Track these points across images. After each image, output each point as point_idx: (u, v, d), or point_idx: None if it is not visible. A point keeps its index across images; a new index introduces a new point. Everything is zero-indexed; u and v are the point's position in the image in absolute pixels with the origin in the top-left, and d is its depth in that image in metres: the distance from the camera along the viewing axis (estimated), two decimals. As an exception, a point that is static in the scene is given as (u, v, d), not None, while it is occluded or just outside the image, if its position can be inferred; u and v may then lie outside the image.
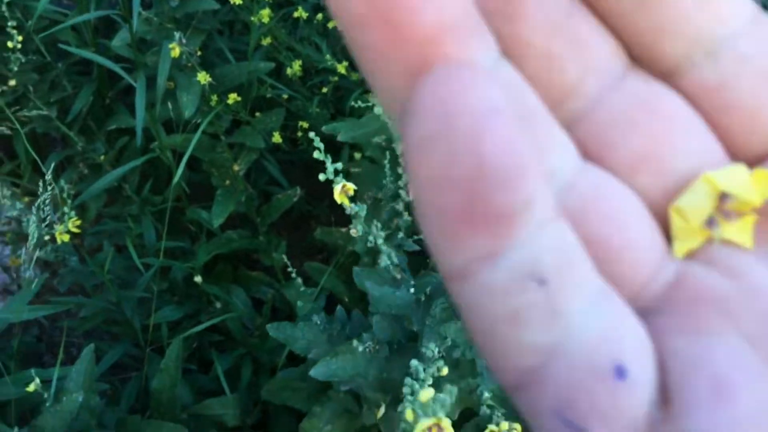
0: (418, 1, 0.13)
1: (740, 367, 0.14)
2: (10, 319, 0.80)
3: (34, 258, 0.81)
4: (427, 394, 0.29)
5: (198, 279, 1.15)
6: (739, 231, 0.17)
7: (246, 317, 1.25)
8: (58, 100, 1.08)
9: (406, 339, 0.64)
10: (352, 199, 0.80)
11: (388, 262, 0.57)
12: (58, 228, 0.96)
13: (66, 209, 0.96)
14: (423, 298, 0.58)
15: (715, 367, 0.14)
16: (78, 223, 0.98)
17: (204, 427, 1.09)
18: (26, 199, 1.27)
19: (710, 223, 0.17)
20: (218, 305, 1.24)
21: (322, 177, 0.58)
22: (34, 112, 0.95)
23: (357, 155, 1.23)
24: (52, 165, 0.95)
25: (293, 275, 1.40)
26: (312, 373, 0.63)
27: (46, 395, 0.84)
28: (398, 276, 0.58)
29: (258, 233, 1.28)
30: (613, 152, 0.17)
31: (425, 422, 0.29)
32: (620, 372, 0.14)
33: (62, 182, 0.91)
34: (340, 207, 1.72)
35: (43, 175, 1.41)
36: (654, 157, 0.17)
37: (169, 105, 0.98)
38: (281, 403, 1.11)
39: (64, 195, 0.92)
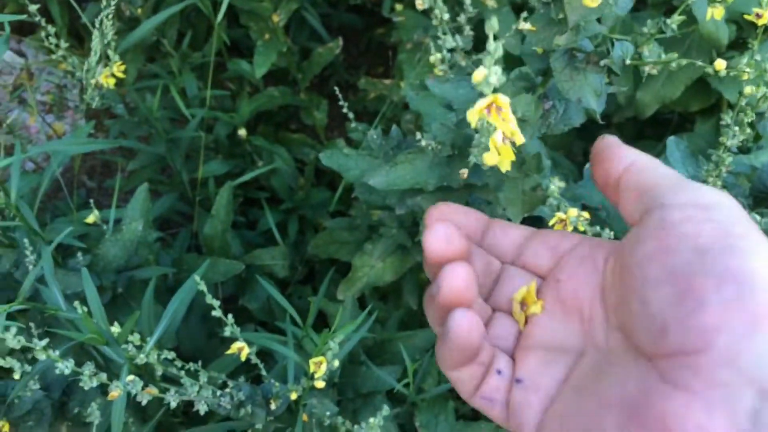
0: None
1: None
2: (72, 151, 0.80)
3: (98, 82, 0.80)
4: (480, 72, 0.28)
5: (242, 132, 1.14)
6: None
7: (289, 176, 1.26)
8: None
9: (468, 145, 0.63)
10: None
11: (452, 45, 0.55)
12: (104, 71, 0.95)
13: (110, 52, 0.95)
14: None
15: None
16: (123, 68, 0.96)
17: (254, 277, 1.11)
18: (63, 65, 1.26)
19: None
20: (261, 164, 1.24)
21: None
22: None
23: (399, 6, 1.19)
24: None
25: (338, 129, 1.38)
26: (371, 182, 0.62)
27: (105, 228, 0.85)
28: (463, 63, 0.56)
29: (299, 92, 1.26)
30: None
31: (482, 102, 0.28)
32: None
33: (101, 18, 0.88)
34: (378, 75, 1.69)
35: (80, 39, 1.40)
36: None
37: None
38: (328, 257, 1.12)
39: (105, 31, 0.90)
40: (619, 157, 0.32)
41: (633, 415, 0.26)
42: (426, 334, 0.96)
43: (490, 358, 0.33)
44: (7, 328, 0.42)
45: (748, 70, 0.60)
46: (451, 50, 0.56)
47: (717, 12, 0.70)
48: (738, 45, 1.05)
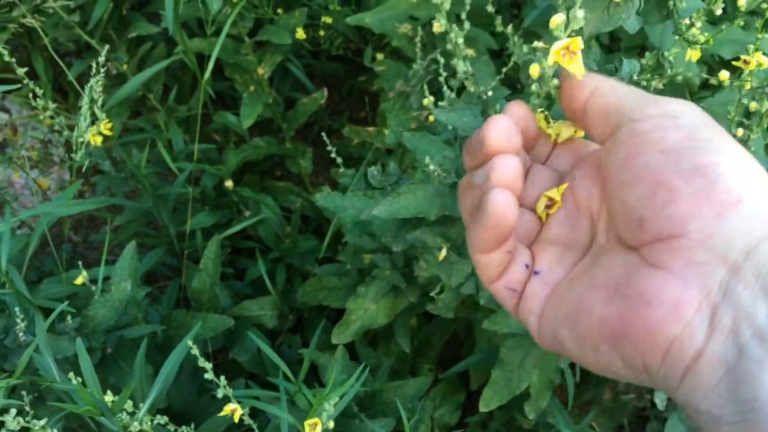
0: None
1: None
2: (61, 212, 0.80)
3: (86, 141, 0.81)
4: (559, 17, 0.32)
5: (229, 184, 1.15)
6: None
7: (276, 225, 1.26)
8: (78, 6, 1.06)
9: None
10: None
11: (465, 70, 0.57)
12: (91, 129, 0.96)
13: (96, 109, 0.96)
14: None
15: None
16: (110, 125, 0.97)
17: (244, 329, 1.11)
18: (48, 121, 1.27)
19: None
20: (248, 214, 1.25)
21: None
22: (58, 2, 0.93)
23: (379, 56, 1.21)
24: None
25: (323, 175, 1.40)
26: (375, 211, 0.63)
27: (94, 288, 0.85)
28: (472, 88, 0.58)
29: (284, 141, 1.27)
30: None
31: (560, 42, 0.32)
32: None
33: (91, 83, 0.90)
34: (360, 120, 1.71)
35: (63, 94, 1.41)
36: None
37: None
38: (317, 304, 1.12)
39: (94, 95, 0.92)
40: (582, 83, 0.34)
41: (617, 291, 0.29)
42: (417, 383, 0.96)
43: (515, 248, 0.34)
44: (6, 410, 0.42)
45: (749, 80, 0.63)
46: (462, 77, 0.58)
47: (694, 54, 0.73)
48: (710, 85, 1.08)
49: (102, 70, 0.83)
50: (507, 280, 0.34)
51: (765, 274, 0.25)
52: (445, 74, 0.71)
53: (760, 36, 0.56)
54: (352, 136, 1.14)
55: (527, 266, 0.34)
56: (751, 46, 0.58)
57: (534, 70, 0.34)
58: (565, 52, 0.33)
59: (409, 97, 1.09)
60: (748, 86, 0.63)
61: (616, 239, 0.31)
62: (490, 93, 0.63)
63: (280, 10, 1.13)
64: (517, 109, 0.35)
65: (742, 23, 0.58)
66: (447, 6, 0.39)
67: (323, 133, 1.00)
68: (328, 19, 1.14)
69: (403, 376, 1.10)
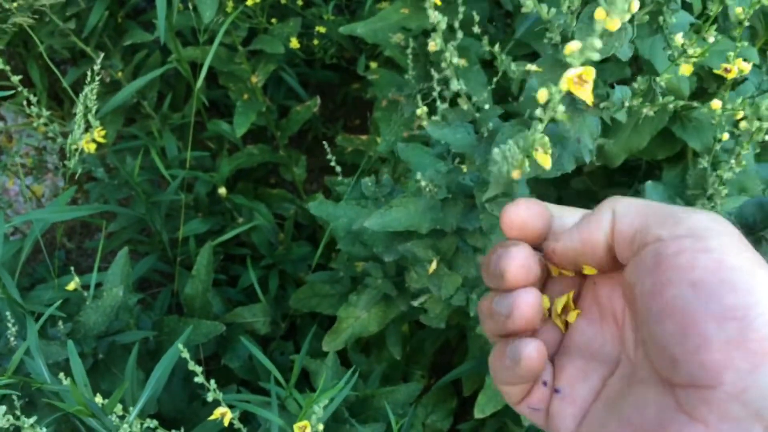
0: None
1: None
2: (54, 218, 0.80)
3: (80, 148, 0.82)
4: (575, 44, 0.31)
5: (222, 191, 1.15)
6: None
7: (269, 232, 1.27)
8: (73, 15, 1.07)
9: (460, 191, 0.64)
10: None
11: (458, 89, 0.57)
12: (84, 137, 0.96)
13: (90, 117, 0.96)
14: (486, 134, 0.58)
15: None
16: (103, 133, 0.98)
17: (236, 335, 1.11)
18: (42, 128, 1.28)
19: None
20: (241, 221, 1.25)
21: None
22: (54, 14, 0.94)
23: (373, 64, 1.22)
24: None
25: (316, 183, 1.40)
26: (367, 223, 0.64)
27: (86, 294, 0.86)
28: (465, 106, 0.59)
29: (278, 148, 1.28)
30: None
31: (573, 71, 0.31)
32: None
33: (86, 91, 0.90)
34: (354, 128, 1.72)
35: (59, 101, 1.41)
36: None
37: (189, 6, 0.97)
38: (309, 311, 1.13)
39: (88, 103, 0.92)
40: (600, 219, 0.32)
41: None
42: (408, 389, 0.96)
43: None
44: (-6, 410, 0.43)
45: (741, 109, 0.64)
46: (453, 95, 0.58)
47: (686, 69, 0.74)
48: (700, 95, 1.09)
49: (96, 78, 0.83)
50: (528, 401, 0.34)
51: None
52: (438, 89, 0.72)
53: (739, 44, 0.57)
54: (345, 145, 1.15)
55: (545, 383, 0.34)
56: (731, 54, 0.59)
57: (542, 95, 0.33)
58: (577, 80, 0.32)
59: (401, 105, 1.10)
60: (739, 115, 0.63)
61: (648, 362, 0.30)
62: (486, 106, 0.64)
63: (274, 20, 1.14)
64: (524, 213, 0.34)
65: (736, 33, 0.59)
66: (443, 26, 0.39)
67: (324, 142, 1.01)
68: (322, 29, 1.15)
69: (395, 382, 1.11)
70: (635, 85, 0.69)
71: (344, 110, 1.59)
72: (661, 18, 0.73)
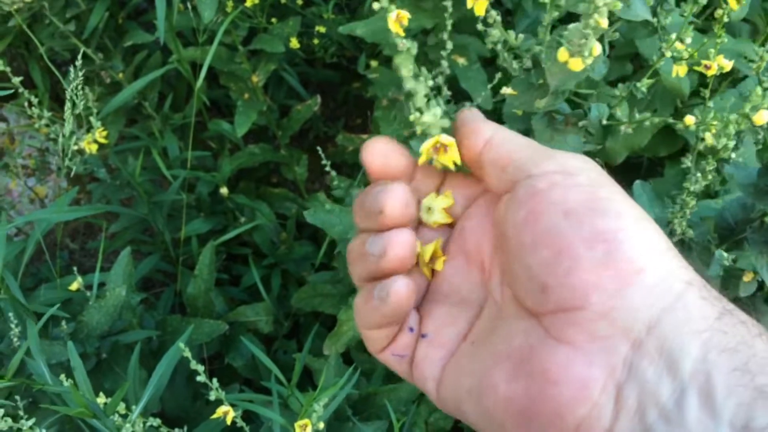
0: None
1: None
2: (56, 219, 0.81)
3: (72, 148, 0.82)
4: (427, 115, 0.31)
5: (224, 191, 1.16)
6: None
7: (272, 231, 1.27)
8: (73, 16, 1.07)
9: None
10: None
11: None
12: (86, 137, 0.97)
13: (92, 119, 0.97)
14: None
15: None
16: (105, 133, 0.99)
17: (239, 334, 1.12)
18: (44, 129, 1.28)
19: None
20: (243, 220, 1.26)
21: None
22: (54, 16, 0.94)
23: (373, 63, 1.22)
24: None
25: (319, 182, 1.41)
26: (351, 235, 0.64)
27: (89, 294, 0.86)
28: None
29: (279, 147, 1.28)
30: None
31: (429, 141, 0.32)
32: None
33: (87, 91, 0.91)
34: (355, 127, 1.72)
35: (60, 102, 1.42)
36: None
37: (188, 6, 0.98)
38: (312, 310, 1.13)
39: (88, 104, 0.93)
40: (477, 132, 0.32)
41: (521, 367, 0.27)
42: (410, 386, 0.97)
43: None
44: (-5, 411, 0.43)
45: (714, 123, 0.64)
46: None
47: (681, 70, 0.74)
48: (700, 93, 1.09)
49: (80, 75, 0.84)
50: (393, 347, 0.33)
51: (668, 349, 0.25)
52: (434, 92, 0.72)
53: (719, 40, 0.57)
54: (346, 144, 1.15)
55: (412, 330, 0.33)
56: (712, 51, 0.59)
57: (423, 154, 0.33)
58: (439, 146, 0.32)
59: (402, 104, 1.10)
60: (713, 130, 0.63)
61: (513, 301, 0.30)
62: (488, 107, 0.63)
63: (274, 20, 1.14)
64: (386, 143, 0.33)
65: (723, 33, 0.59)
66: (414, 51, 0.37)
67: (318, 147, 1.01)
68: (322, 28, 1.15)
69: (398, 380, 1.11)
70: (616, 92, 0.69)
71: (345, 109, 1.59)
72: (655, 20, 0.73)
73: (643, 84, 0.69)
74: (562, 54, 0.33)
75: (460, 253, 0.34)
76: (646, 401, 0.24)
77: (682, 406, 0.24)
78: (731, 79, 1.04)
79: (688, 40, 0.59)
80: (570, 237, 0.27)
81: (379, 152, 0.33)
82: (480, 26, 0.72)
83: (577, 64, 0.33)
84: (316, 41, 1.19)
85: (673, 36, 0.64)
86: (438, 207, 0.34)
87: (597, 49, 0.34)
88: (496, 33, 0.41)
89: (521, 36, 0.47)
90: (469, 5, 0.36)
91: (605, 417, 0.25)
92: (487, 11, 0.39)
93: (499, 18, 0.39)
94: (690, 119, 0.65)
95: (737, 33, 1.07)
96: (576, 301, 0.26)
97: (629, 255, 0.26)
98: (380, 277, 0.31)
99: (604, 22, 0.33)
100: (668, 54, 0.59)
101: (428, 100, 0.32)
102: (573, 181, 0.29)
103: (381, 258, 0.31)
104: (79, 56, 0.85)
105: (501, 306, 0.31)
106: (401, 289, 0.30)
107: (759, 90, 0.34)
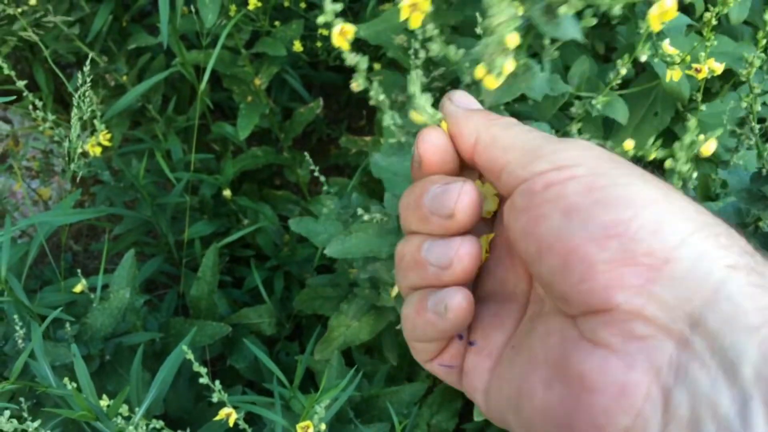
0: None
1: None
2: (59, 222, 0.81)
3: (77, 151, 0.83)
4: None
5: (227, 193, 1.16)
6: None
7: (274, 233, 1.28)
8: (78, 19, 1.08)
9: None
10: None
11: (391, 122, 0.57)
12: (90, 140, 0.97)
13: (96, 122, 0.97)
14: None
15: None
16: (109, 136, 0.99)
17: (242, 336, 1.12)
18: (48, 131, 1.29)
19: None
20: (246, 222, 1.26)
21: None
22: (58, 17, 0.95)
23: (377, 66, 1.23)
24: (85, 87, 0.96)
25: (322, 184, 1.41)
26: (327, 251, 0.64)
27: (93, 296, 0.87)
28: (402, 139, 0.59)
29: (282, 150, 1.29)
30: None
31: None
32: None
33: (91, 94, 0.91)
34: (358, 129, 1.72)
35: (65, 105, 1.42)
36: None
37: (192, 10, 0.98)
38: (312, 312, 1.13)
39: (92, 107, 0.93)
40: (461, 136, 0.29)
41: (557, 372, 0.25)
42: (412, 388, 0.97)
43: None
44: (0, 412, 0.43)
45: (655, 151, 0.64)
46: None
47: (675, 74, 0.75)
48: (704, 94, 1.09)
49: (88, 82, 0.84)
50: (442, 357, 0.30)
51: (720, 349, 0.21)
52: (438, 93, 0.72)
53: (709, 43, 0.57)
54: (349, 146, 1.16)
55: (461, 337, 0.30)
56: (703, 54, 0.59)
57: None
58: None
59: (405, 107, 1.10)
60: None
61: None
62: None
63: (277, 23, 1.14)
64: (441, 135, 0.30)
65: (712, 36, 0.59)
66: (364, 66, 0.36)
67: (306, 153, 1.02)
68: (325, 32, 1.15)
69: (400, 382, 1.11)
70: (572, 109, 0.68)
71: (348, 111, 1.59)
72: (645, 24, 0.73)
73: (598, 102, 0.69)
74: (479, 71, 0.32)
75: (504, 246, 0.30)
76: (701, 411, 0.21)
77: (746, 418, 0.20)
78: (733, 82, 1.05)
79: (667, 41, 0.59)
80: (575, 238, 0.24)
81: (438, 143, 0.29)
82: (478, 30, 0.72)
83: (491, 82, 0.32)
84: (319, 44, 1.19)
85: (665, 43, 0.64)
86: (490, 194, 0.31)
87: (509, 66, 0.32)
88: (435, 47, 0.40)
89: (461, 51, 0.46)
90: (402, 17, 0.34)
91: (652, 429, 0.22)
92: (424, 24, 0.37)
93: (436, 32, 0.38)
94: (629, 144, 0.63)
95: (739, 36, 1.07)
96: (601, 305, 0.23)
97: (648, 247, 0.23)
98: (436, 286, 0.28)
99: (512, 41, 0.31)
100: (650, 57, 0.60)
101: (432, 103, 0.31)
102: (569, 174, 0.25)
103: (444, 270, 0.27)
104: (87, 62, 0.86)
105: (542, 300, 0.28)
106: (462, 303, 0.27)
107: (694, 121, 0.33)
